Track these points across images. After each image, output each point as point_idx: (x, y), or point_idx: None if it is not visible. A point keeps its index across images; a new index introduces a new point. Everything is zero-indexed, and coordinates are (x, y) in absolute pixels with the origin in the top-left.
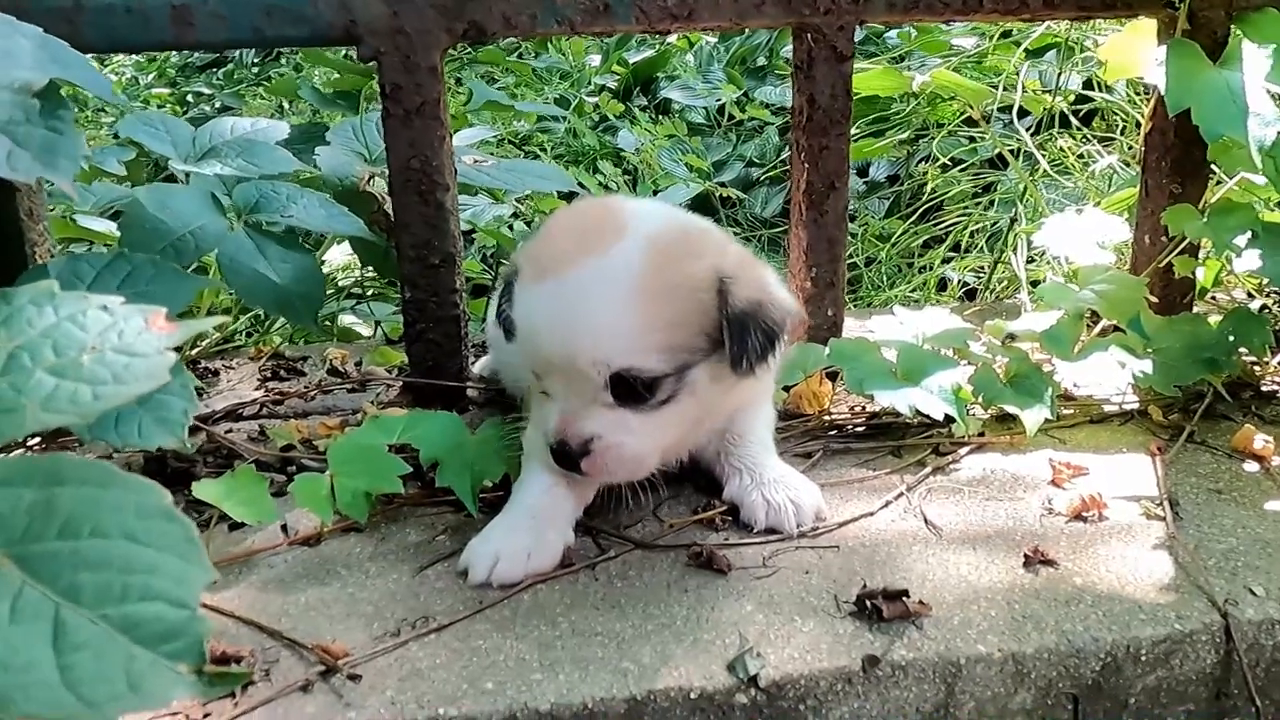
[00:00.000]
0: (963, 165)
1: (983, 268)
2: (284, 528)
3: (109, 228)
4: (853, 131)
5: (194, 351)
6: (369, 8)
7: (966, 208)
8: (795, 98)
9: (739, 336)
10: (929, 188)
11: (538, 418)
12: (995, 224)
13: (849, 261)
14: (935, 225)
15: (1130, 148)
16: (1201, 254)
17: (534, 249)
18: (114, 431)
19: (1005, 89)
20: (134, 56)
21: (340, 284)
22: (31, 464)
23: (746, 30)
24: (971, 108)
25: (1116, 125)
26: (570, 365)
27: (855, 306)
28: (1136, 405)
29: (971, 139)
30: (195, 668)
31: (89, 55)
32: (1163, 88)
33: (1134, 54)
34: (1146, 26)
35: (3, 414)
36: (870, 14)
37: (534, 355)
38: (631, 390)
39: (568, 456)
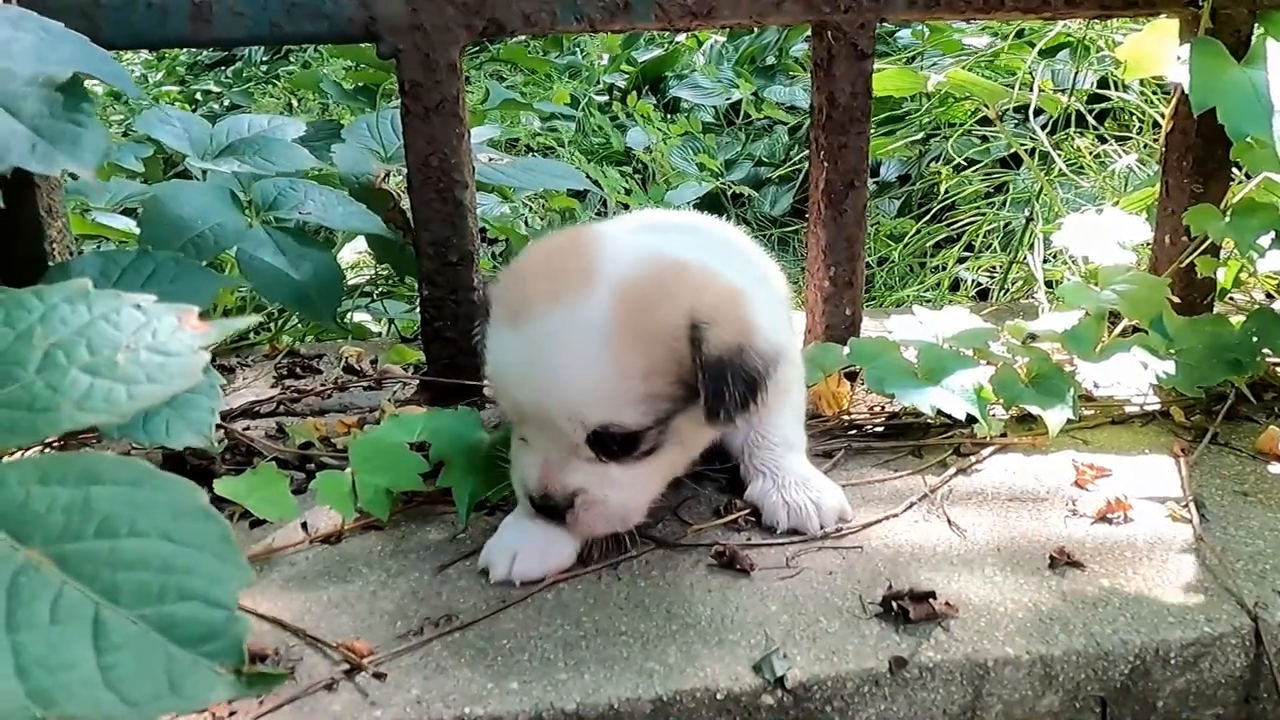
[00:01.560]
0: (975, 165)
1: (996, 268)
2: (304, 526)
3: (126, 225)
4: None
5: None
6: (388, 4)
7: (980, 208)
8: (815, 96)
9: (714, 387)
10: (942, 188)
11: (517, 461)
12: (1009, 224)
13: None
14: (948, 225)
15: (1146, 147)
16: (1221, 254)
17: (504, 286)
18: (142, 430)
19: (1020, 88)
20: (144, 54)
21: (351, 282)
22: (67, 462)
23: (757, 29)
24: (987, 107)
25: (1132, 125)
26: (546, 420)
27: (868, 307)
28: (1158, 406)
29: (984, 139)
30: (234, 668)
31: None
32: (1186, 87)
33: (1155, 53)
34: (1168, 25)
35: (39, 412)
36: (891, 11)
37: (507, 403)
38: (612, 444)
39: (552, 510)
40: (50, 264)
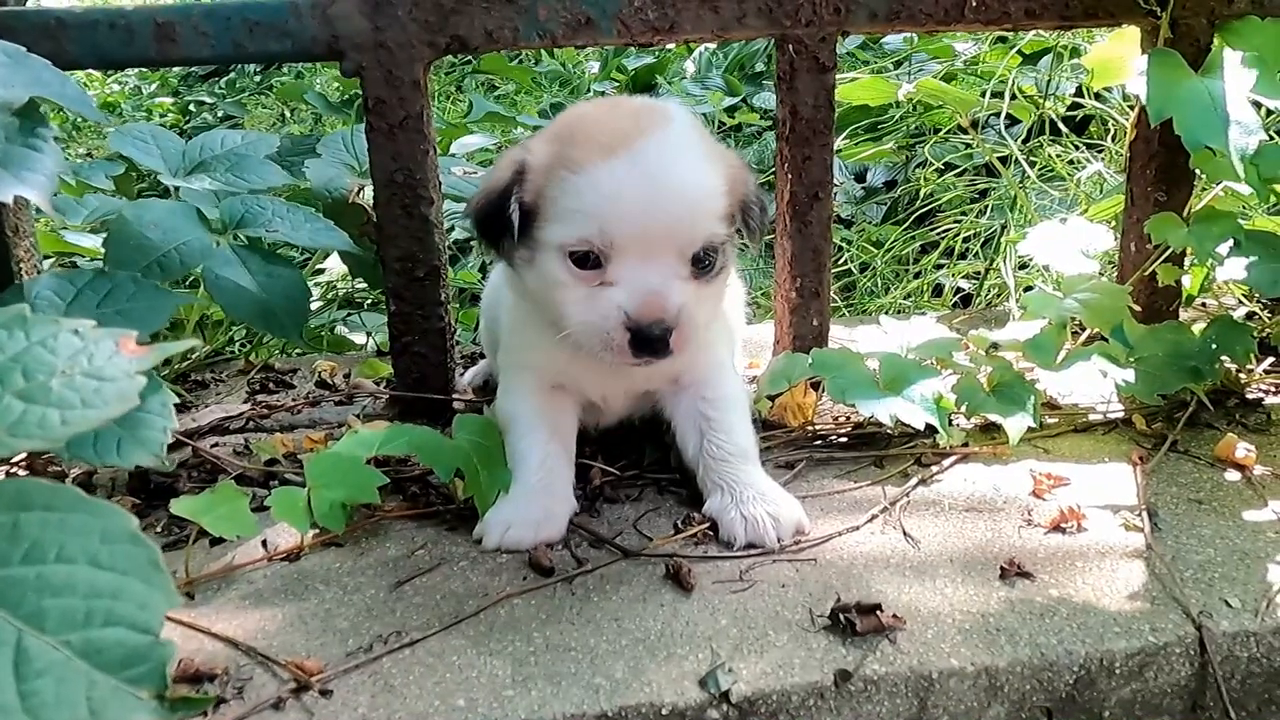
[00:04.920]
0: (959, 170)
1: (978, 273)
2: (264, 543)
3: (96, 243)
4: (850, 137)
5: (184, 364)
6: (351, 22)
7: (963, 212)
8: (779, 108)
9: (761, 209)
10: (924, 193)
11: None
12: (989, 230)
13: (844, 268)
14: (931, 230)
15: (1121, 154)
16: (1187, 261)
17: (576, 134)
18: (92, 450)
19: (996, 96)
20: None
21: (338, 293)
22: None
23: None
24: (960, 115)
25: (1110, 131)
26: (668, 236)
27: (850, 312)
28: (1121, 414)
29: (968, 145)
30: (156, 693)
31: (76, 71)
32: (1144, 97)
33: (1120, 61)
34: (1131, 34)
35: None
36: (852, 24)
37: (619, 225)
38: (707, 260)
39: (652, 340)
40: (17, 283)
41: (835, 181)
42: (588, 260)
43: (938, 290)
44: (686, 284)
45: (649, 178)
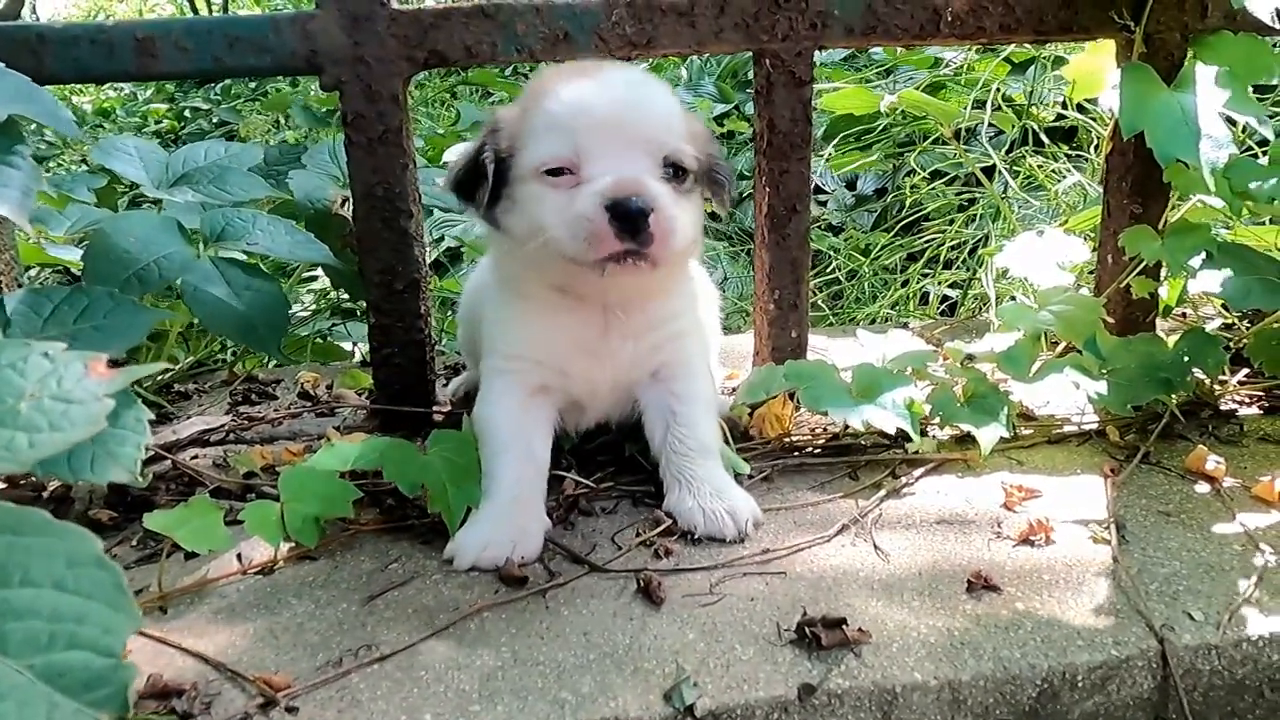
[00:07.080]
0: (947, 179)
1: (964, 282)
2: (239, 557)
3: (79, 255)
4: (840, 145)
5: (166, 376)
6: (330, 37)
7: (950, 220)
8: (756, 122)
9: (719, 166)
10: (910, 202)
11: (566, 207)
12: (975, 239)
13: (832, 276)
14: (917, 239)
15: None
16: (1164, 272)
17: (546, 79)
18: (66, 467)
19: (980, 106)
20: None
21: (329, 302)
22: None
23: None
24: (942, 126)
25: (1094, 141)
26: (637, 138)
27: (838, 320)
28: (1096, 425)
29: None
30: (117, 716)
31: (57, 85)
32: (1117, 111)
33: (1098, 73)
34: (1109, 46)
35: None
36: (828, 39)
37: (591, 132)
38: (675, 170)
39: (631, 216)
40: None
41: (826, 189)
42: (562, 175)
43: (924, 298)
44: (661, 184)
45: (615, 90)
